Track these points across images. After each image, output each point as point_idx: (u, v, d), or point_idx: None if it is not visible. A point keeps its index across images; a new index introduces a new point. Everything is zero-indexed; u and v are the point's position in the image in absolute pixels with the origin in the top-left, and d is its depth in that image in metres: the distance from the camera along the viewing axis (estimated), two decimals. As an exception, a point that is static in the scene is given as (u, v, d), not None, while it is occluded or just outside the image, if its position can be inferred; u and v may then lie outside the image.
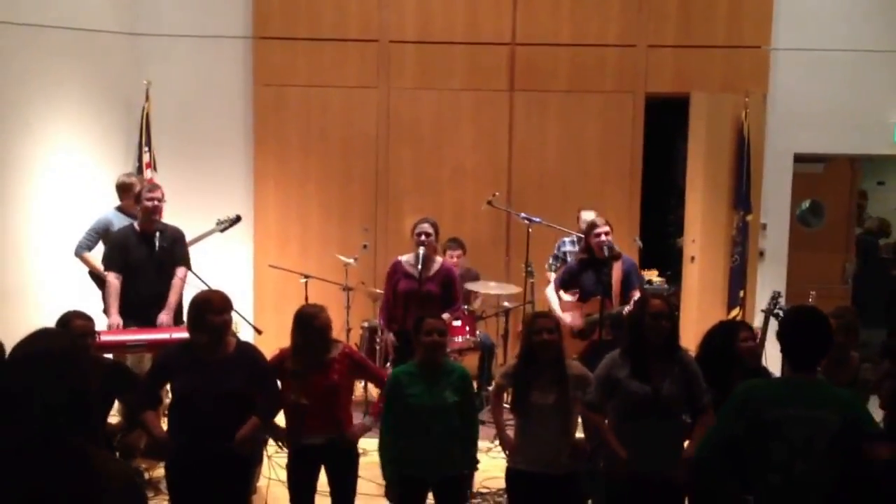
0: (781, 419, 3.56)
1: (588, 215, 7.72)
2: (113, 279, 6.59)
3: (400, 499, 4.74)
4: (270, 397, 4.71)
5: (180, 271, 6.71)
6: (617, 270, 6.88)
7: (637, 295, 6.85)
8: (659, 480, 4.40)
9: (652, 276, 8.83)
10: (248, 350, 4.76)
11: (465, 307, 7.66)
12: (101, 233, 7.18)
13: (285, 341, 6.59)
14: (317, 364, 4.76)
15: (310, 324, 4.76)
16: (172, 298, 6.66)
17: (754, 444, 3.61)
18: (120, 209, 7.30)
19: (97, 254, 7.24)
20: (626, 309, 6.39)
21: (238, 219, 7.84)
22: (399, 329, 6.61)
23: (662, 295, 5.24)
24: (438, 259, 6.80)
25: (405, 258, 6.79)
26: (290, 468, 4.91)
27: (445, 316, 6.49)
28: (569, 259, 7.72)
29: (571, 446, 4.64)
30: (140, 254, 6.63)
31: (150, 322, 6.48)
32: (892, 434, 3.85)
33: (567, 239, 8.10)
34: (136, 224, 6.76)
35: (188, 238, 7.31)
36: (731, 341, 4.71)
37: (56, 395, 2.16)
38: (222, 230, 7.78)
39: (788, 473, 3.55)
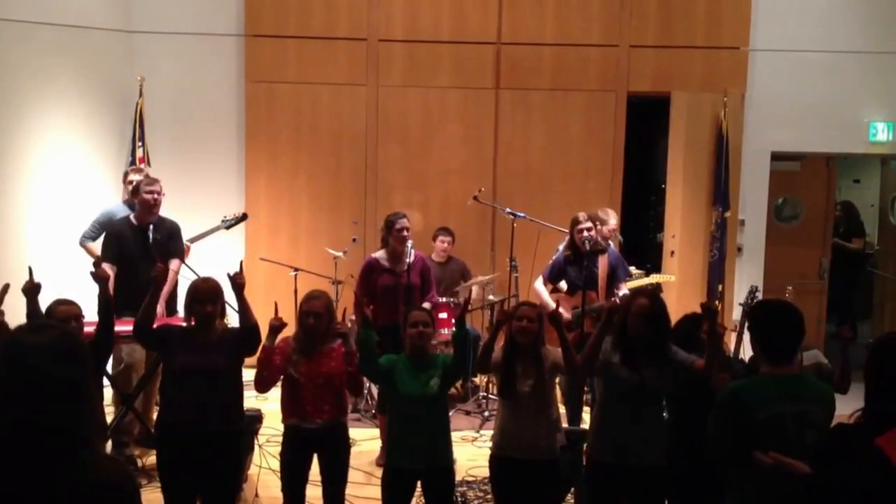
0: (774, 416, 3.60)
1: (609, 216, 7.87)
2: (108, 270, 6.71)
3: (389, 489, 4.86)
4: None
5: (174, 264, 6.82)
6: (603, 264, 7.05)
7: (623, 288, 7.04)
8: (641, 469, 4.54)
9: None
10: (235, 331, 4.93)
11: (452, 300, 7.83)
12: (105, 224, 7.31)
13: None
14: (314, 348, 4.90)
15: (302, 306, 4.97)
16: (166, 289, 6.75)
17: (746, 442, 3.60)
18: (126, 202, 7.43)
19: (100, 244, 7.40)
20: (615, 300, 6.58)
21: (244, 216, 7.96)
22: (385, 325, 6.69)
23: (653, 293, 5.38)
24: (412, 251, 6.81)
25: (379, 255, 6.80)
26: (284, 452, 5.01)
27: (426, 307, 6.65)
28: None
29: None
30: (136, 246, 6.73)
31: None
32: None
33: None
34: (132, 216, 6.88)
35: (194, 234, 7.49)
36: (695, 331, 4.88)
37: (57, 386, 2.14)
38: (227, 227, 7.93)
39: (779, 469, 3.50)
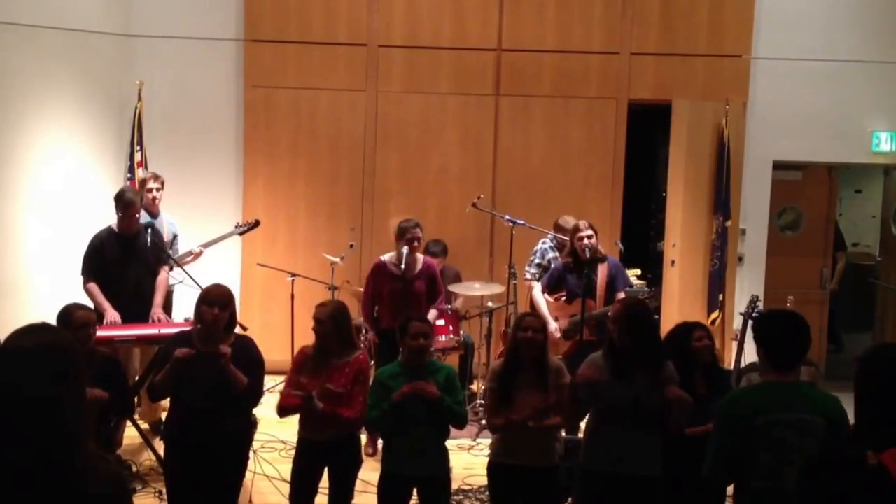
0: (771, 424, 3.60)
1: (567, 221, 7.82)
2: (92, 285, 6.72)
3: (385, 495, 4.86)
4: (254, 385, 4.81)
5: (164, 270, 6.92)
6: (602, 272, 7.00)
7: (622, 297, 6.98)
8: (635, 478, 4.52)
9: (633, 274, 8.94)
10: (244, 342, 4.91)
11: (449, 307, 7.80)
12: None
13: (272, 337, 6.67)
14: (326, 360, 4.89)
15: (315, 316, 4.94)
16: (158, 297, 6.82)
17: (744, 451, 3.64)
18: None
19: None
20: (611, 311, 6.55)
21: (257, 223, 8.09)
22: (386, 328, 6.74)
23: (634, 299, 5.36)
24: (420, 257, 6.96)
25: (388, 258, 6.92)
26: (295, 462, 5.03)
27: (432, 313, 6.70)
28: (552, 265, 7.74)
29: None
30: (118, 255, 6.76)
31: (134, 319, 6.61)
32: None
33: (547, 246, 7.98)
34: (113, 225, 6.87)
35: (208, 240, 7.71)
36: (687, 341, 4.86)
37: (46, 389, 2.15)
38: (241, 233, 8.01)
39: (776, 478, 3.57)
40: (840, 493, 2.71)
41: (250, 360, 4.80)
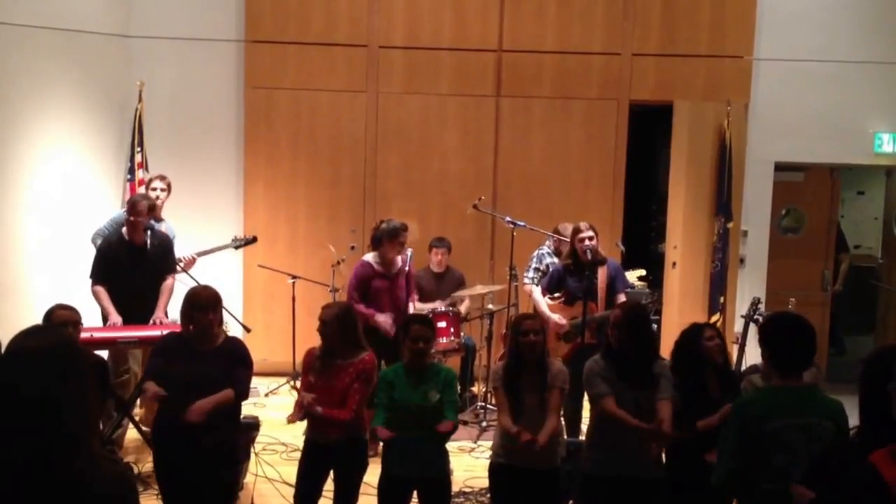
0: (780, 428, 3.62)
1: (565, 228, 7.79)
2: (99, 288, 6.71)
3: (385, 497, 4.85)
4: (238, 386, 4.79)
5: (171, 277, 6.91)
6: (602, 275, 6.97)
7: (622, 299, 6.97)
8: (636, 481, 4.52)
9: (638, 275, 8.92)
10: (234, 342, 4.92)
11: (451, 309, 7.78)
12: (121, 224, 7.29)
13: (274, 339, 6.60)
14: (331, 361, 4.89)
15: (320, 318, 4.94)
16: (163, 302, 6.81)
17: (755, 454, 3.65)
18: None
19: None
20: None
21: (254, 239, 8.06)
22: (373, 326, 6.78)
23: (634, 303, 5.36)
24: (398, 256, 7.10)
25: (371, 258, 7.01)
26: (301, 463, 5.01)
27: (421, 307, 6.76)
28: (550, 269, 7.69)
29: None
30: (125, 262, 6.73)
31: (137, 323, 6.60)
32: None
33: (545, 251, 7.93)
34: (124, 232, 6.84)
35: (200, 245, 7.67)
36: (697, 341, 4.85)
37: (45, 389, 2.15)
38: (236, 247, 7.99)
39: (786, 481, 3.55)
40: (835, 494, 2.72)
41: (237, 360, 4.81)
